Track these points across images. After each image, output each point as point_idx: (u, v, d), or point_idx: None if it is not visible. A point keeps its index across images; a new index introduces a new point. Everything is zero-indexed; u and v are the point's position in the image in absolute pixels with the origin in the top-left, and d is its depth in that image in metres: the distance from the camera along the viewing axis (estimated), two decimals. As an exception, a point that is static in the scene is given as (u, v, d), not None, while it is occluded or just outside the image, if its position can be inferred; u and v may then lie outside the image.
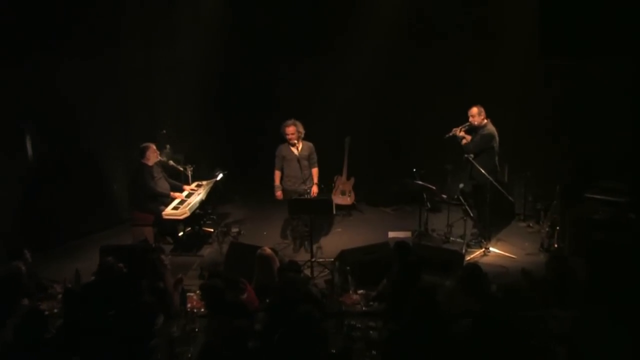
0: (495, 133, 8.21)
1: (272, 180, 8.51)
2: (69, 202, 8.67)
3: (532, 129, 9.26)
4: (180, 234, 8.76)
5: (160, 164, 8.61)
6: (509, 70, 9.14)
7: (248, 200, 10.66)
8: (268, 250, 6.46)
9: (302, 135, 8.31)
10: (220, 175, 9.03)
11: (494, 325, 4.66)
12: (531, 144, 9.28)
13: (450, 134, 8.32)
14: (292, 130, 8.15)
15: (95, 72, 8.87)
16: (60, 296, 6.36)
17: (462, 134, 8.29)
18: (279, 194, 8.43)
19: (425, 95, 10.05)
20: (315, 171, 8.45)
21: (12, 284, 5.97)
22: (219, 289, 5.52)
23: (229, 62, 10.56)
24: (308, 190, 8.32)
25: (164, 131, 9.46)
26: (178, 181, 8.94)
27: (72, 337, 5.18)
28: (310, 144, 8.41)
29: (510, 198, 8.39)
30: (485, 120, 8.20)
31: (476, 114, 8.17)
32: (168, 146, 9.25)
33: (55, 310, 6.19)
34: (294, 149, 8.25)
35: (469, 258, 7.92)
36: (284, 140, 8.31)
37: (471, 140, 8.27)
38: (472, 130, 8.29)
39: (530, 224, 9.23)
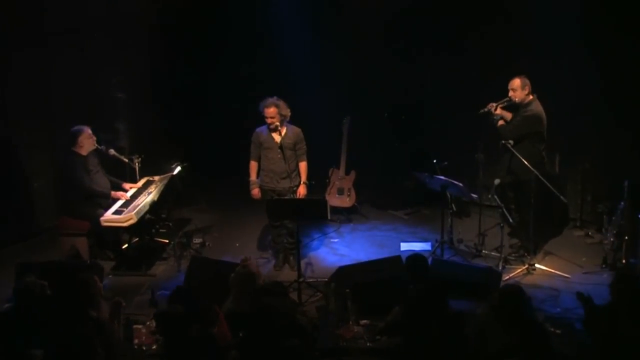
0: (543, 114, 8.20)
1: (247, 174, 8.48)
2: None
3: (590, 106, 9.24)
4: (125, 246, 8.73)
5: (98, 153, 8.57)
6: (560, 26, 9.13)
7: (215, 202, 10.63)
8: (252, 266, 6.45)
9: (287, 119, 8.29)
10: (178, 169, 9.00)
11: None
12: (590, 126, 9.28)
13: (486, 110, 8.31)
14: (273, 112, 8.12)
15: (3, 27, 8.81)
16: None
17: (499, 111, 8.28)
18: (255, 191, 8.41)
19: (450, 62, 10.03)
20: (303, 166, 8.42)
21: None
22: (181, 318, 5.48)
23: (191, 12, 10.48)
24: (294, 189, 8.29)
25: (120, 95, 9.37)
26: (122, 176, 8.90)
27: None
28: (297, 129, 8.38)
29: (562, 198, 8.39)
30: (531, 97, 8.19)
31: (518, 88, 8.17)
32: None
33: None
34: (275, 135, 8.23)
35: (507, 277, 7.92)
36: (263, 121, 8.29)
37: (510, 121, 8.28)
38: (513, 107, 8.29)
39: (590, 233, 9.24)
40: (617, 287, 5.78)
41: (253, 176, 8.45)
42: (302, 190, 8.35)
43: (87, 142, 8.33)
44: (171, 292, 6.14)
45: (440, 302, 5.82)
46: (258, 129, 8.37)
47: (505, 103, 8.26)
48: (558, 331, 6.39)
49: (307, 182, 8.41)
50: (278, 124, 8.14)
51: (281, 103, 8.17)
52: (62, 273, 6.73)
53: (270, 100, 8.15)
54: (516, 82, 8.19)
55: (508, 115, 8.32)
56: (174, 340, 5.43)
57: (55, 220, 8.83)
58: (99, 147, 8.49)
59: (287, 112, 8.24)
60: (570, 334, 6.41)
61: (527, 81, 8.18)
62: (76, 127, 8.37)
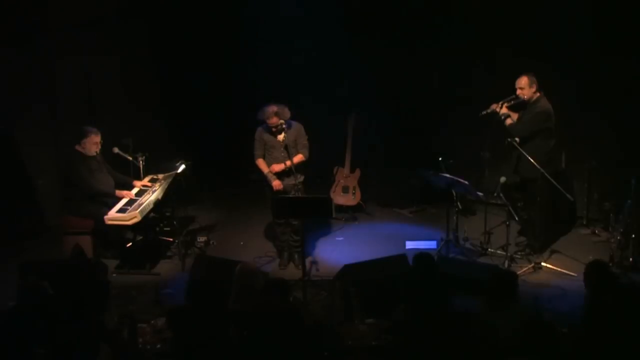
0: (552, 110, 8.18)
1: (255, 172, 8.48)
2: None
3: (596, 103, 9.20)
4: (129, 244, 8.74)
5: (101, 152, 8.56)
6: (566, 23, 9.08)
7: (219, 200, 10.63)
8: (253, 265, 6.43)
9: (288, 118, 8.28)
10: (183, 167, 8.99)
11: None
12: (596, 123, 9.23)
13: (488, 111, 8.30)
14: (275, 121, 8.08)
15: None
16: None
17: (504, 110, 8.26)
18: (276, 183, 8.31)
19: (457, 56, 10.03)
20: (299, 157, 8.32)
21: None
22: (193, 315, 5.50)
23: (196, 10, 10.50)
24: (298, 186, 8.26)
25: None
26: (126, 174, 8.91)
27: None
28: (298, 125, 8.36)
29: (569, 196, 8.36)
30: (538, 94, 8.18)
31: (526, 85, 8.14)
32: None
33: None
34: (278, 135, 8.21)
35: (514, 276, 7.90)
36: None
37: (519, 119, 8.25)
38: (520, 106, 8.26)
39: (596, 231, 9.23)
40: (588, 276, 5.83)
41: (266, 169, 8.35)
42: (288, 163, 8.15)
43: (89, 146, 8.32)
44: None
45: (444, 300, 5.82)
46: (260, 127, 8.35)
47: (512, 101, 8.23)
48: (564, 330, 6.37)
49: (293, 166, 8.14)
50: (284, 126, 8.13)
51: (280, 109, 8.12)
52: (66, 273, 6.71)
53: (269, 110, 8.07)
54: (524, 80, 8.16)
55: (514, 116, 8.29)
56: (184, 338, 5.43)
57: (60, 219, 8.84)
58: (97, 156, 8.44)
59: (288, 114, 8.21)
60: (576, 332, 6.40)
61: (534, 78, 8.15)
62: (86, 128, 8.36)
